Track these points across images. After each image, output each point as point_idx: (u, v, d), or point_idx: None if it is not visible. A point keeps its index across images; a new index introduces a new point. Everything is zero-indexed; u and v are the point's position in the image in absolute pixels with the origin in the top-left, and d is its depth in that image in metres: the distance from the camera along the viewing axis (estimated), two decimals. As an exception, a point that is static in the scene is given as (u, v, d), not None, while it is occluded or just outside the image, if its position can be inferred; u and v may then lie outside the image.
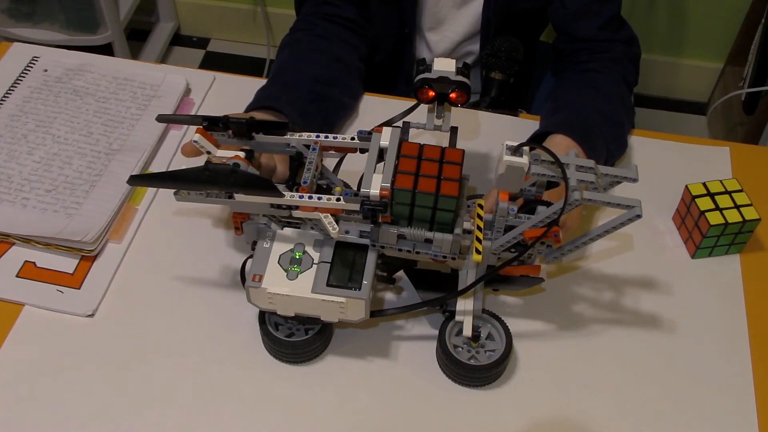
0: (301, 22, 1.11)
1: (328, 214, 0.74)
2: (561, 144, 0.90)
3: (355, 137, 0.79)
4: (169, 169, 0.79)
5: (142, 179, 0.79)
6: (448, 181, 0.72)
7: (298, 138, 0.80)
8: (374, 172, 0.74)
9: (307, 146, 0.80)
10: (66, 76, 1.10)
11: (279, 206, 0.75)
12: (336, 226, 0.74)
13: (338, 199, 0.73)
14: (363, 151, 0.79)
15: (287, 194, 0.73)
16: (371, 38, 1.14)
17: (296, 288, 0.75)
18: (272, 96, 0.97)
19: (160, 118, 0.85)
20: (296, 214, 0.75)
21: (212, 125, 0.80)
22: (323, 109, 0.99)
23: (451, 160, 0.74)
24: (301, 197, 0.73)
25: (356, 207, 0.73)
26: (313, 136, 0.80)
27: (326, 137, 0.79)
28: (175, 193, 0.78)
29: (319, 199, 0.73)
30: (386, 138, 0.77)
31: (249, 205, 0.76)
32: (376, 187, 0.72)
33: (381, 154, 0.77)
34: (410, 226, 0.75)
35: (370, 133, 0.78)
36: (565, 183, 0.69)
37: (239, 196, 0.75)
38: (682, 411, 0.80)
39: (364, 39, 1.12)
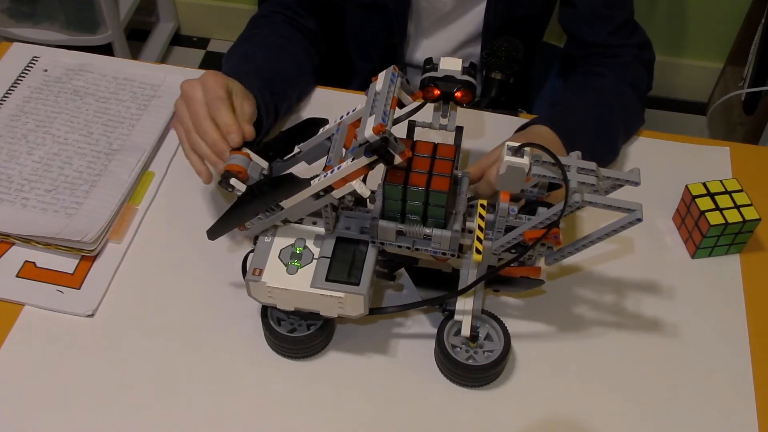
0: (266, 18, 1.10)
1: (358, 179, 0.73)
2: (543, 135, 0.90)
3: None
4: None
5: (222, 227, 0.80)
6: (439, 177, 0.73)
7: (329, 127, 0.81)
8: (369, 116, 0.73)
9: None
10: (66, 76, 1.10)
11: (319, 195, 0.75)
12: (366, 189, 0.73)
13: (353, 159, 0.72)
14: None
15: (314, 181, 0.73)
16: (359, 45, 1.14)
17: (295, 282, 0.75)
18: (244, 74, 0.94)
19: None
20: (336, 194, 0.74)
21: (260, 153, 0.82)
22: (278, 106, 0.99)
23: (443, 155, 0.75)
24: (325, 176, 0.73)
25: (364, 156, 0.72)
26: (337, 119, 0.81)
27: (348, 114, 0.80)
28: (247, 229, 0.80)
29: (338, 168, 0.73)
30: (380, 83, 0.76)
31: (297, 208, 0.76)
32: (369, 128, 0.71)
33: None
34: (404, 222, 0.75)
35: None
36: (566, 185, 0.69)
37: (285, 203, 0.75)
38: (682, 411, 0.80)
39: (319, 53, 1.12)
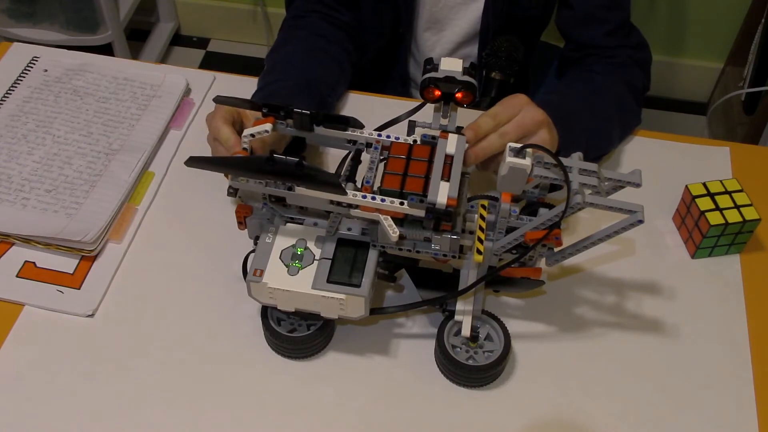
0: (303, 19, 1.11)
1: (388, 217, 0.73)
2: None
3: (418, 140, 0.79)
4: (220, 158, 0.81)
5: (202, 162, 0.75)
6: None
7: (359, 134, 0.80)
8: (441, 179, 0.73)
9: (368, 144, 0.80)
10: (66, 76, 1.10)
11: (338, 203, 0.74)
12: (396, 229, 0.73)
13: (402, 203, 0.73)
14: None
15: (350, 193, 0.72)
16: (363, 36, 1.14)
17: (296, 283, 0.75)
18: (291, 92, 0.97)
19: (218, 99, 0.83)
20: (354, 213, 0.74)
21: (272, 112, 0.80)
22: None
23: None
24: (363, 197, 0.73)
25: (421, 213, 0.72)
26: (375, 134, 0.80)
27: (387, 137, 0.79)
28: (231, 179, 0.76)
29: (382, 200, 0.73)
30: (452, 145, 0.76)
31: (308, 199, 0.75)
32: (443, 195, 0.71)
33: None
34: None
35: (434, 138, 0.78)
36: (567, 186, 0.69)
37: (300, 189, 0.74)
38: (682, 411, 0.80)
39: (356, 45, 1.13)
